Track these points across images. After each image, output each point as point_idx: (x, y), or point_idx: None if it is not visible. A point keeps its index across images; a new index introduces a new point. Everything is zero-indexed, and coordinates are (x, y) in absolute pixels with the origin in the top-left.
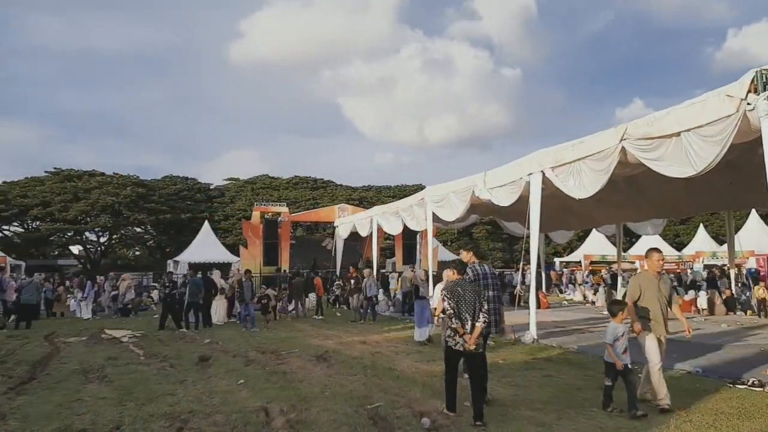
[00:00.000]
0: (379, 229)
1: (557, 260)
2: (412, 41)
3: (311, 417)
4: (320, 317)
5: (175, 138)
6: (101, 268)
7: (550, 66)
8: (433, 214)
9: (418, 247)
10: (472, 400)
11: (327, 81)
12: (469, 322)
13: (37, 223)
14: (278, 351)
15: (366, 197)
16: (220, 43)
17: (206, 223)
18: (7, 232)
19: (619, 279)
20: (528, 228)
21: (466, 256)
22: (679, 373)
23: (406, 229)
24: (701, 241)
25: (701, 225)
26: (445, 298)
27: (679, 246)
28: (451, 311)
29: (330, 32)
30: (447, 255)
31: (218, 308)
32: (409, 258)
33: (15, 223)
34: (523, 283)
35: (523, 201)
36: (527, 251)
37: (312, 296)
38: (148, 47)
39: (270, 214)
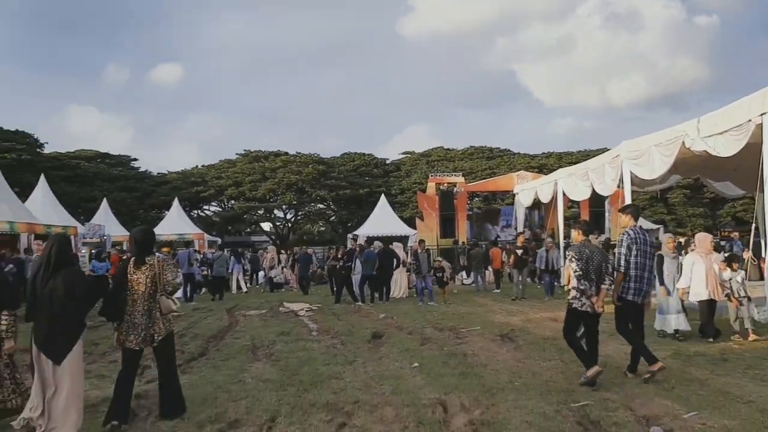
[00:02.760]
0: (564, 194)
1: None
2: None
3: (499, 416)
4: (498, 291)
5: (353, 118)
6: (289, 243)
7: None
8: (630, 174)
9: (606, 214)
10: (588, 362)
11: (501, 48)
12: (595, 284)
13: (232, 202)
14: (457, 328)
15: (546, 164)
16: (391, 19)
17: (383, 197)
18: (207, 212)
19: None
20: (760, 184)
21: (625, 219)
22: None
23: (593, 194)
24: None
25: None
26: (573, 259)
27: None
28: (580, 272)
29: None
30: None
31: (400, 281)
32: (597, 227)
33: (213, 203)
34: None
35: (747, 152)
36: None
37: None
38: (324, 34)
39: (445, 185)
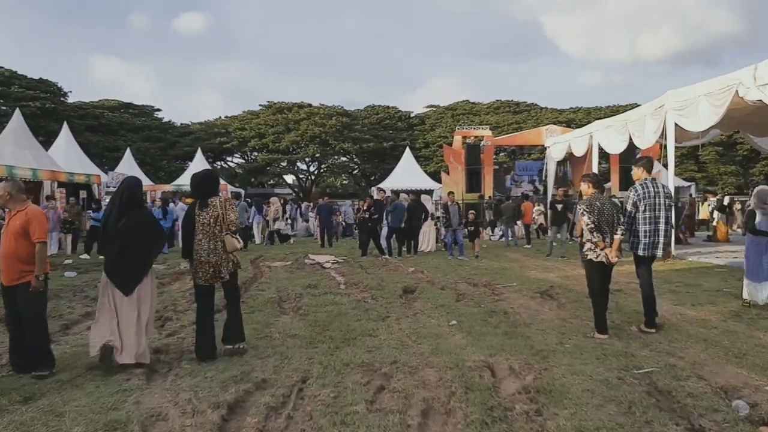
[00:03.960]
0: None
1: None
2: None
3: (556, 383)
4: (528, 246)
5: (377, 69)
6: (313, 195)
7: None
8: (675, 126)
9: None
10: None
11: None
12: (609, 235)
13: (255, 154)
14: (492, 284)
15: (574, 119)
16: None
17: (407, 150)
18: (231, 163)
19: None
20: None
21: (638, 172)
22: None
23: (625, 151)
24: None
25: None
26: (585, 213)
27: None
28: (592, 225)
29: None
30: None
31: (428, 234)
32: (627, 185)
33: (236, 155)
34: None
35: None
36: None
37: (519, 223)
38: None
39: (472, 138)
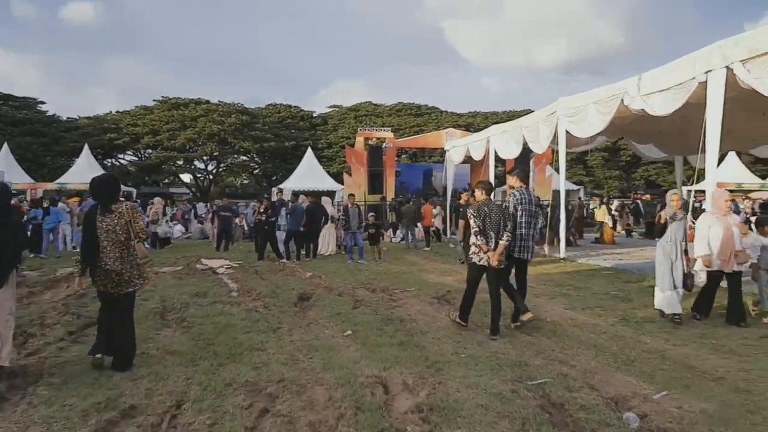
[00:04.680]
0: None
1: (685, 189)
2: None
3: (450, 398)
4: (428, 249)
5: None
6: (211, 195)
7: None
8: (566, 132)
9: (531, 174)
10: (492, 314)
11: (431, 4)
12: (494, 240)
13: (149, 151)
14: (391, 289)
15: (473, 123)
16: None
17: (309, 150)
18: (122, 161)
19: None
20: (702, 144)
21: (512, 180)
22: None
23: (520, 154)
24: None
25: None
26: (472, 216)
27: None
28: (477, 229)
29: None
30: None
31: (328, 237)
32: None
33: (129, 152)
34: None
35: (676, 115)
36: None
37: (420, 226)
38: None
39: (374, 139)
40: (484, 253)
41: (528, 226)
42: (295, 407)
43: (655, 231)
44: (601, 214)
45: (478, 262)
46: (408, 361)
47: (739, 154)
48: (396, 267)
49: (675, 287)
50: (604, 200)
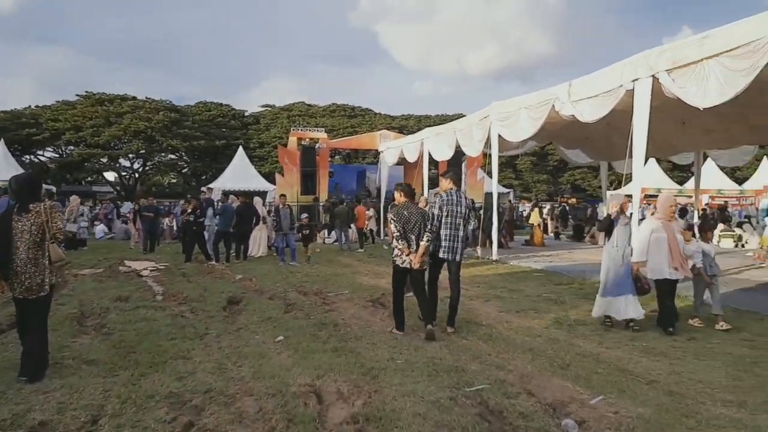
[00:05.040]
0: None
1: (609, 193)
2: None
3: (386, 407)
4: (361, 251)
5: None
6: (136, 195)
7: None
8: (498, 136)
9: (463, 177)
10: (423, 316)
11: (365, 6)
12: (415, 243)
13: (70, 148)
14: (324, 292)
15: (406, 126)
16: None
17: (240, 149)
18: (42, 158)
19: (695, 214)
20: (630, 150)
21: (444, 183)
22: None
23: (453, 156)
24: (764, 175)
25: (765, 157)
26: (393, 221)
27: (739, 180)
28: (398, 233)
29: None
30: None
31: (259, 239)
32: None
33: (49, 149)
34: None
35: (603, 121)
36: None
37: (353, 227)
38: None
39: (307, 140)
40: (406, 255)
41: (454, 228)
42: (223, 420)
43: (601, 226)
44: (535, 217)
45: (401, 265)
46: (342, 368)
47: (658, 161)
48: (329, 269)
49: (625, 293)
50: (538, 204)
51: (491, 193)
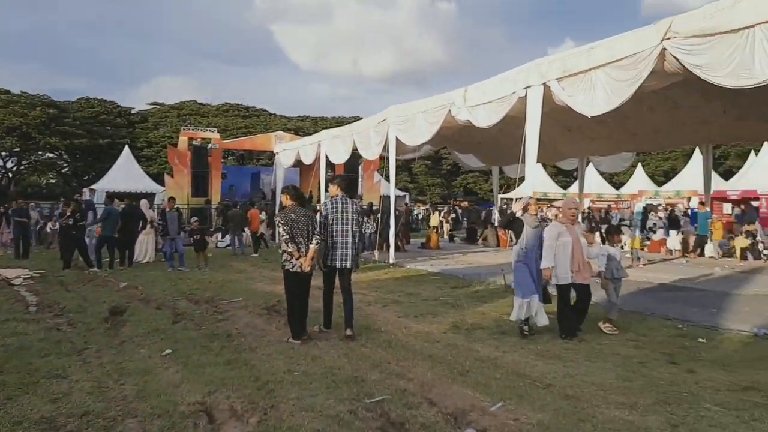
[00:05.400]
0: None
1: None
2: None
3: (284, 424)
4: (256, 255)
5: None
6: (10, 195)
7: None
8: (396, 139)
9: (360, 180)
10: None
11: (260, 5)
12: (304, 246)
13: None
14: (216, 300)
15: (302, 127)
16: None
17: (126, 148)
18: None
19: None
20: (522, 155)
21: (333, 189)
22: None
23: (348, 159)
24: (638, 181)
25: (639, 164)
26: (280, 224)
27: (616, 185)
28: (286, 236)
29: None
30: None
31: (146, 243)
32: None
33: None
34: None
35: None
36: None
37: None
38: None
39: (199, 140)
40: (296, 259)
41: (343, 235)
42: None
43: (501, 222)
44: (434, 220)
45: (291, 269)
46: (236, 382)
47: (544, 166)
48: (222, 275)
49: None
50: (438, 207)
51: (388, 197)
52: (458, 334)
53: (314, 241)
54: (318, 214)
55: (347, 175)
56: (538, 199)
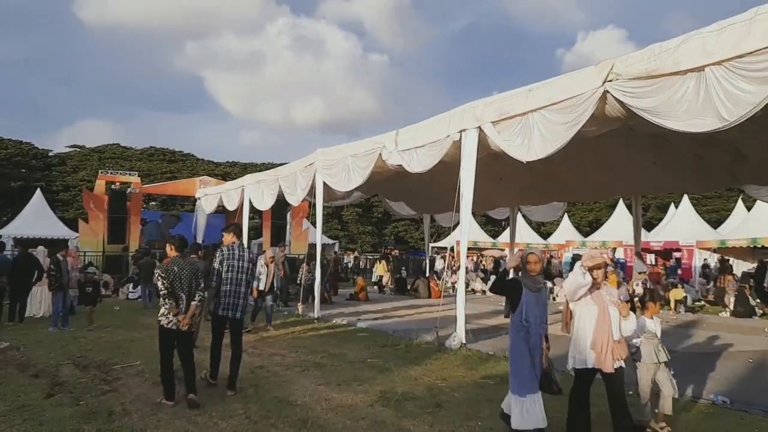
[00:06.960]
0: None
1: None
2: (280, 17)
3: None
4: None
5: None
6: None
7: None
8: (324, 184)
9: (288, 227)
10: (186, 383)
11: (191, 52)
12: (184, 302)
13: None
14: (109, 364)
15: (230, 173)
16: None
17: (38, 191)
18: None
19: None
20: (457, 203)
21: (228, 237)
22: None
23: (275, 206)
24: (565, 231)
25: (566, 215)
26: (160, 278)
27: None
28: (165, 291)
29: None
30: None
31: (41, 296)
32: (278, 240)
33: None
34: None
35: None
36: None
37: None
38: None
39: (117, 184)
40: (174, 316)
41: (235, 283)
42: None
43: (493, 287)
44: (381, 269)
45: (166, 325)
46: None
47: (474, 215)
48: (124, 333)
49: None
50: (388, 255)
51: (314, 244)
52: (387, 407)
53: (197, 298)
54: (212, 261)
55: (237, 224)
56: (469, 249)
